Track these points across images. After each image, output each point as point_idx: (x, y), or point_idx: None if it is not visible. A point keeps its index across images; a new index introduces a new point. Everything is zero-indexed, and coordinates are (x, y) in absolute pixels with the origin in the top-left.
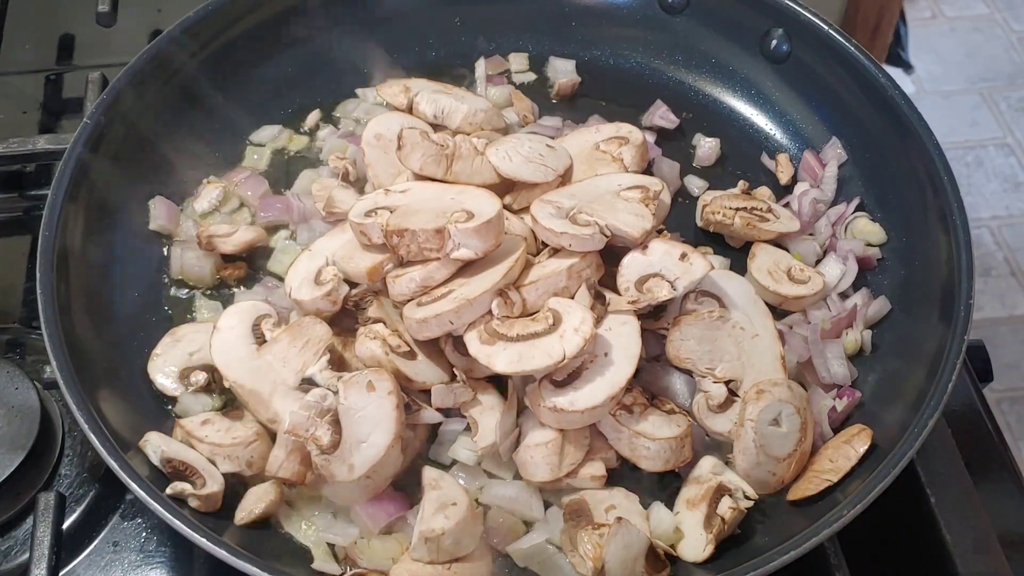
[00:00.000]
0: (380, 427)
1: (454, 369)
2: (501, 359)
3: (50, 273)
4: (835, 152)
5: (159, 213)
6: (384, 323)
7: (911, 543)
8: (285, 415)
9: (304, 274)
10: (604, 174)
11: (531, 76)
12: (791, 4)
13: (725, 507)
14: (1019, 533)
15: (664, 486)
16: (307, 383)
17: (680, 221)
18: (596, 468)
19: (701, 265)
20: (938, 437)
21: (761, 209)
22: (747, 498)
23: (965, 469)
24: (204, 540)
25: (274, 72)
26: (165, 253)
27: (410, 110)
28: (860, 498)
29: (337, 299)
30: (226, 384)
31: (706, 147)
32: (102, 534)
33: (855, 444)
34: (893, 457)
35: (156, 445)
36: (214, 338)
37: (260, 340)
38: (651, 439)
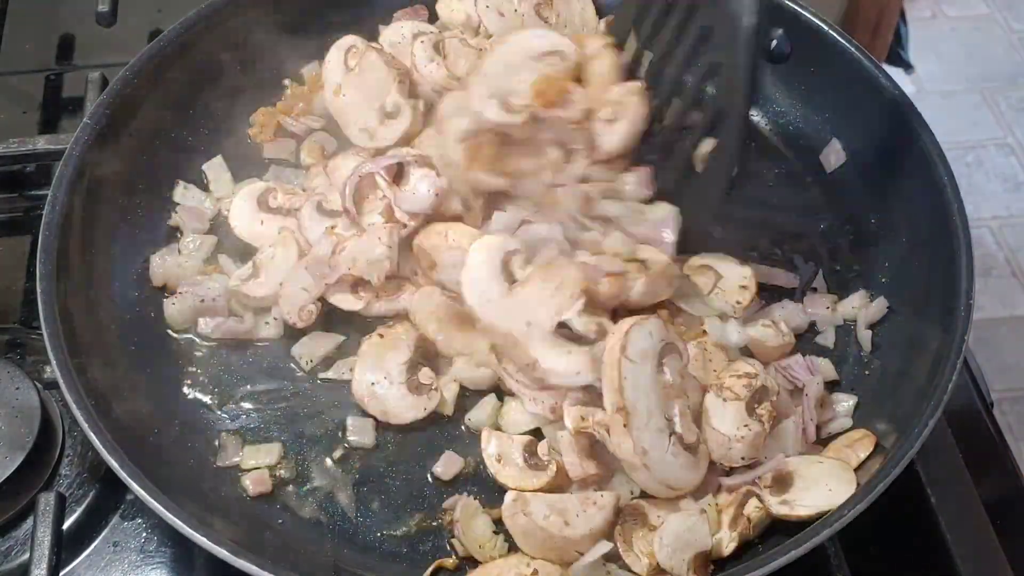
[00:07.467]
0: None
1: None
2: None
3: (50, 273)
4: (835, 152)
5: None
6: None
7: (911, 543)
8: (547, 360)
9: None
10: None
11: None
12: (791, 4)
13: (751, 507)
14: (1019, 533)
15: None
16: (562, 327)
17: None
18: None
19: None
20: (938, 437)
21: None
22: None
23: (965, 469)
24: (205, 539)
25: (271, 68)
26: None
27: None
28: (860, 498)
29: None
30: (478, 327)
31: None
32: (102, 534)
33: (857, 450)
34: (893, 457)
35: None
36: (464, 276)
37: (509, 279)
38: None
